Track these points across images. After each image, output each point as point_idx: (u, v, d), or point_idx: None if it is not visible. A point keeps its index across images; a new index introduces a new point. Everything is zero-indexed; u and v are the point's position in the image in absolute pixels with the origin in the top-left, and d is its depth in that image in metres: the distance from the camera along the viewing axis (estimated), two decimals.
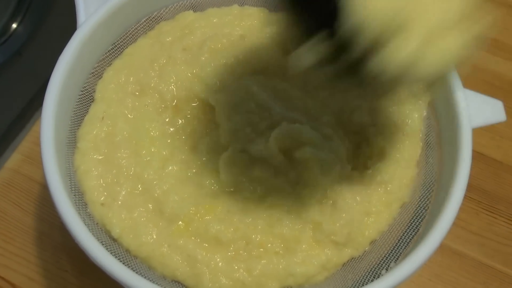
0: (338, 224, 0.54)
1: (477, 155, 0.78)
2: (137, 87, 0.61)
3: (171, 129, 0.60)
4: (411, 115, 0.59)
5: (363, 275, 0.52)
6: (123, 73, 0.61)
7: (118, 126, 0.58)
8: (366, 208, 0.56)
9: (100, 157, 0.57)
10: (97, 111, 0.59)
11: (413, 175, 0.58)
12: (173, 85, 0.61)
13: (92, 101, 0.61)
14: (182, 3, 0.66)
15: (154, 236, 0.53)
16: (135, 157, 0.58)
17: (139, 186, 0.56)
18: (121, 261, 0.50)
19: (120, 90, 0.60)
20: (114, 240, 0.54)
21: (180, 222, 0.55)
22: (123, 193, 0.55)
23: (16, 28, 0.77)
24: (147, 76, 0.61)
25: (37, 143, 0.79)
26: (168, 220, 0.55)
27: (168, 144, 0.60)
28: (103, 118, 0.58)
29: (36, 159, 0.78)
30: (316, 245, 0.54)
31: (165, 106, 0.61)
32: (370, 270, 0.52)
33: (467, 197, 0.78)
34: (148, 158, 0.58)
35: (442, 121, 0.58)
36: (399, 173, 0.57)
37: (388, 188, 0.57)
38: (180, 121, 0.61)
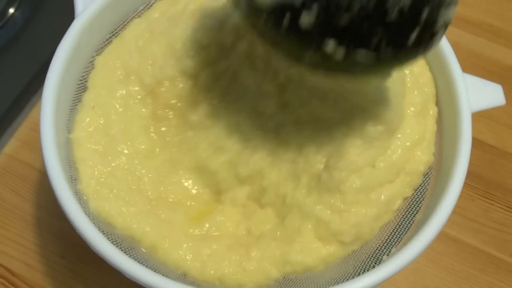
0: (347, 225, 0.52)
1: (473, 141, 0.78)
2: (123, 71, 0.60)
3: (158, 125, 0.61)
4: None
5: (364, 260, 0.52)
6: (111, 58, 0.60)
7: (111, 119, 0.58)
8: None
9: (95, 148, 0.56)
10: (88, 100, 0.58)
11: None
12: (151, 65, 0.60)
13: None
14: None
15: (149, 229, 0.53)
16: (129, 152, 0.58)
17: (136, 182, 0.56)
18: (122, 250, 0.51)
19: (109, 75, 0.59)
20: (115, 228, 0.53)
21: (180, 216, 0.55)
22: (121, 186, 0.55)
23: (13, 13, 0.76)
24: (131, 57, 0.60)
25: (35, 129, 0.79)
26: (167, 210, 0.55)
27: (154, 138, 0.60)
28: (94, 107, 0.58)
29: (34, 145, 0.78)
30: (317, 240, 0.54)
31: (146, 92, 0.60)
32: (371, 255, 0.52)
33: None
34: (139, 155, 0.58)
35: (441, 105, 0.57)
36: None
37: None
38: (159, 111, 0.60)
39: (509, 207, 0.78)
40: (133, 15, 0.63)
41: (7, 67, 0.77)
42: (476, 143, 0.81)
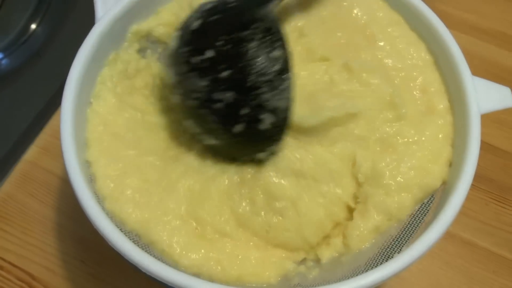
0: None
1: (486, 146, 0.79)
2: (124, 65, 0.62)
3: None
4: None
5: (375, 257, 0.53)
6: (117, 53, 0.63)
7: (112, 116, 0.60)
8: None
9: (103, 146, 0.57)
10: (96, 97, 0.60)
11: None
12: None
13: None
14: None
15: (165, 237, 0.53)
16: (134, 149, 0.58)
17: (145, 181, 0.56)
18: (143, 248, 0.52)
19: (113, 71, 0.62)
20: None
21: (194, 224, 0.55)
22: (131, 186, 0.56)
23: (35, 29, 0.78)
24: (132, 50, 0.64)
25: (55, 136, 0.81)
26: (181, 220, 0.55)
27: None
28: (91, 103, 0.60)
29: (54, 152, 0.80)
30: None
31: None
32: (382, 253, 0.53)
33: (476, 187, 0.79)
34: (148, 153, 0.58)
35: (451, 107, 0.58)
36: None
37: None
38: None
39: None
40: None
41: (30, 82, 0.78)
42: (489, 148, 0.82)
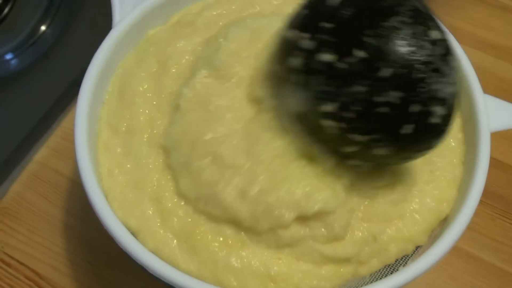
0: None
1: (494, 162, 0.79)
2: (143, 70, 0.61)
3: None
4: None
5: (380, 269, 0.53)
6: (134, 57, 0.62)
7: (119, 111, 0.58)
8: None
9: (108, 148, 0.56)
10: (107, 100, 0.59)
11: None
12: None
13: None
14: None
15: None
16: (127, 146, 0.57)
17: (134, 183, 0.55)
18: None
19: (126, 68, 0.61)
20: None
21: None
22: (119, 189, 0.54)
23: (44, 31, 0.78)
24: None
25: (65, 138, 0.81)
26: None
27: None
28: (103, 102, 0.59)
29: (64, 153, 0.80)
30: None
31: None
32: (387, 265, 0.53)
33: (483, 203, 0.79)
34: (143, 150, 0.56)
35: (462, 125, 0.59)
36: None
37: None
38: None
39: None
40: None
41: (37, 83, 0.78)
42: (497, 164, 0.82)
